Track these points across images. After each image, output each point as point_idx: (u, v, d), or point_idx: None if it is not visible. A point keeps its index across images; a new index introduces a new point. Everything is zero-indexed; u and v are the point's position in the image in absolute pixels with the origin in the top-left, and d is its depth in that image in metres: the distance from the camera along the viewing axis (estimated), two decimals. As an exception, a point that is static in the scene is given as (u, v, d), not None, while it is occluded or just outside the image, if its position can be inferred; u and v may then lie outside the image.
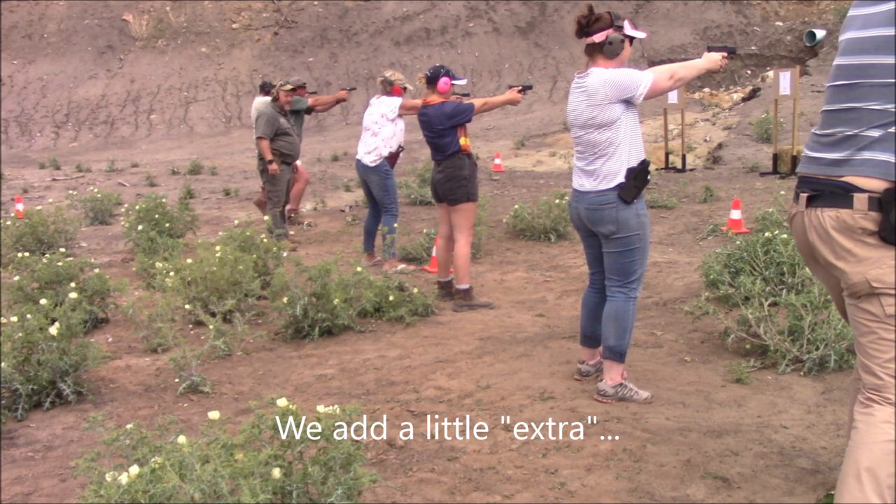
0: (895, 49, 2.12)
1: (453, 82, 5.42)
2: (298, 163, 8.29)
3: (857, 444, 2.17)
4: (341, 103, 8.44)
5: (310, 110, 8.96)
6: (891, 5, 2.16)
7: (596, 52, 3.54)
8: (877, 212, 2.11)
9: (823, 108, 2.34)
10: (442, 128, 5.31)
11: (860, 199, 2.13)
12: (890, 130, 2.11)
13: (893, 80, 2.12)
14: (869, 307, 2.17)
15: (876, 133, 2.14)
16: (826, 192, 2.22)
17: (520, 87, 5.53)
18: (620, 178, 3.49)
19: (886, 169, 2.11)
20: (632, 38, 3.57)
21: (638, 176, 3.50)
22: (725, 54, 3.60)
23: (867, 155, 2.14)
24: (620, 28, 3.52)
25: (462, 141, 5.36)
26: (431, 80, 5.39)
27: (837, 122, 2.25)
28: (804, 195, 2.29)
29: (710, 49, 3.63)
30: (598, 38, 3.50)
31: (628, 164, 3.50)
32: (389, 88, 6.61)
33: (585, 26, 3.53)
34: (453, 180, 5.35)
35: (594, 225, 3.61)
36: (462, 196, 5.36)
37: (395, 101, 6.53)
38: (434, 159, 5.54)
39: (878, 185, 2.12)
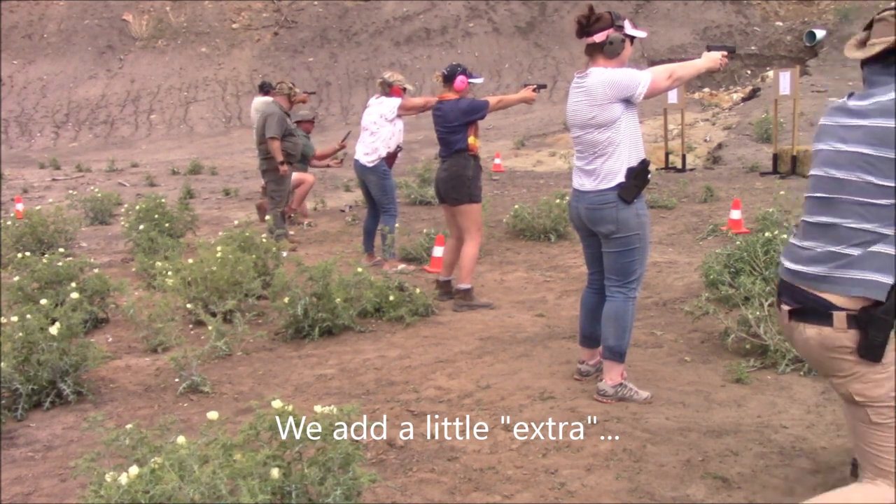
0: (871, 169, 2.14)
1: (470, 80, 5.43)
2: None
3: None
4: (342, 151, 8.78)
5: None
6: (862, 121, 2.18)
7: (596, 52, 3.54)
8: (855, 329, 2.14)
9: (803, 217, 2.37)
10: (456, 123, 5.31)
11: (839, 318, 2.16)
12: (869, 249, 2.13)
13: (869, 200, 2.14)
14: (857, 413, 2.22)
15: (856, 251, 2.15)
16: (808, 307, 2.25)
17: (535, 86, 5.53)
18: (620, 178, 3.49)
19: (865, 287, 2.13)
20: (632, 38, 3.57)
21: (638, 175, 3.50)
22: (725, 53, 3.60)
23: (847, 273, 2.16)
24: (621, 28, 3.52)
25: (470, 140, 5.36)
26: (448, 78, 5.42)
27: (817, 235, 2.27)
28: (786, 308, 2.33)
29: (709, 48, 3.63)
30: (598, 37, 3.49)
31: (628, 164, 3.49)
32: (388, 90, 6.61)
33: (586, 26, 3.53)
34: (455, 179, 5.34)
35: (594, 224, 3.60)
36: (464, 197, 5.35)
37: (394, 102, 6.53)
38: (440, 155, 5.54)
39: (856, 303, 2.14)
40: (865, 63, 2.26)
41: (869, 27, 2.28)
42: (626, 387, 3.63)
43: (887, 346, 2.12)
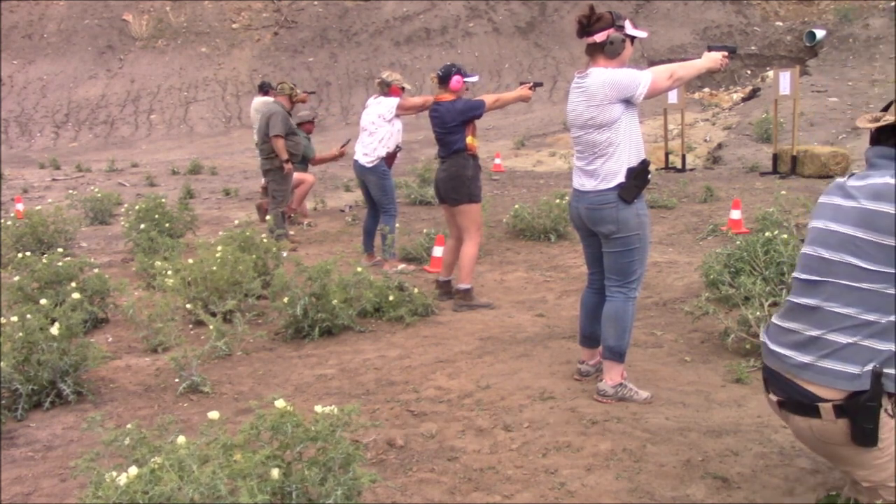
0: (858, 251, 2.13)
1: (465, 80, 5.43)
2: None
3: None
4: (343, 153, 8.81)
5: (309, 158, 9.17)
6: (854, 203, 2.17)
7: (597, 52, 3.54)
8: (844, 419, 2.13)
9: (789, 297, 2.36)
10: (453, 123, 5.31)
11: (826, 410, 2.15)
12: (851, 341, 2.13)
13: (854, 283, 2.13)
14: (870, 490, 2.23)
15: (841, 340, 2.14)
16: (794, 398, 2.24)
17: (531, 84, 5.54)
18: (621, 178, 3.49)
19: (848, 380, 2.12)
20: (633, 38, 3.57)
21: (638, 176, 3.50)
22: (726, 54, 3.60)
23: (830, 364, 2.16)
24: (622, 28, 3.52)
25: (469, 140, 5.35)
26: (444, 79, 5.41)
27: (801, 318, 2.26)
28: (775, 398, 2.33)
29: (710, 48, 3.63)
30: (599, 37, 3.49)
31: (628, 164, 3.49)
32: (387, 89, 6.60)
33: (587, 26, 3.53)
34: (455, 179, 5.34)
35: (594, 224, 3.60)
36: (463, 196, 5.35)
37: (392, 102, 6.53)
38: (439, 156, 5.55)
39: (840, 393, 2.14)
40: (873, 143, 2.27)
41: (887, 108, 2.28)
42: (626, 387, 3.63)
43: (881, 428, 2.10)
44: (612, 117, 3.46)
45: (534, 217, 7.62)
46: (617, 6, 22.33)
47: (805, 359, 2.21)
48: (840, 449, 2.18)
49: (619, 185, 3.49)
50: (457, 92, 5.39)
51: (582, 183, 3.62)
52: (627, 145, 3.50)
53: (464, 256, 5.41)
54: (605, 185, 3.51)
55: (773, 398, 2.33)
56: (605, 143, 3.48)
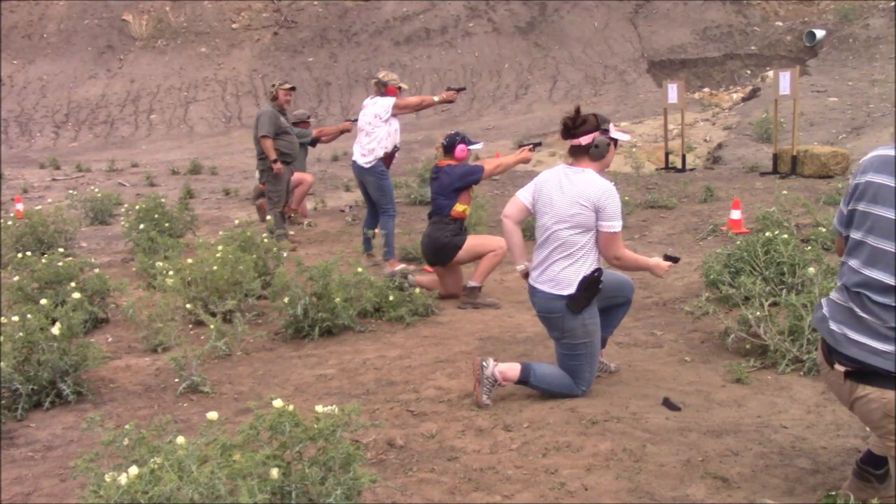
0: None
1: (469, 148, 5.56)
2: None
3: None
4: (345, 133, 8.77)
5: (314, 142, 9.11)
6: None
7: (581, 154, 3.59)
8: None
9: (855, 287, 2.29)
10: (450, 189, 5.45)
11: None
12: None
13: None
14: None
15: None
16: (867, 370, 2.20)
17: (531, 146, 5.65)
18: (572, 289, 3.51)
19: None
20: (616, 141, 3.61)
21: (589, 286, 3.51)
22: (671, 264, 3.70)
23: None
24: (606, 131, 3.57)
25: (459, 207, 5.47)
26: (448, 148, 5.58)
27: (877, 312, 2.21)
28: (842, 368, 2.27)
29: (665, 257, 3.73)
30: (584, 140, 3.55)
31: (585, 273, 3.52)
32: (384, 89, 6.60)
33: (572, 128, 3.56)
34: (435, 243, 5.49)
35: (543, 322, 3.71)
36: (449, 255, 5.47)
37: (389, 102, 6.52)
38: (428, 216, 5.69)
39: None
40: None
41: None
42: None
43: None
44: (591, 222, 3.50)
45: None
46: (617, 6, 22.37)
47: (890, 348, 2.17)
48: None
49: (570, 296, 3.51)
50: (462, 160, 5.50)
51: (535, 277, 3.66)
52: (594, 255, 3.54)
53: (485, 259, 5.48)
54: (557, 290, 3.54)
55: (840, 369, 2.28)
56: (579, 245, 3.51)
